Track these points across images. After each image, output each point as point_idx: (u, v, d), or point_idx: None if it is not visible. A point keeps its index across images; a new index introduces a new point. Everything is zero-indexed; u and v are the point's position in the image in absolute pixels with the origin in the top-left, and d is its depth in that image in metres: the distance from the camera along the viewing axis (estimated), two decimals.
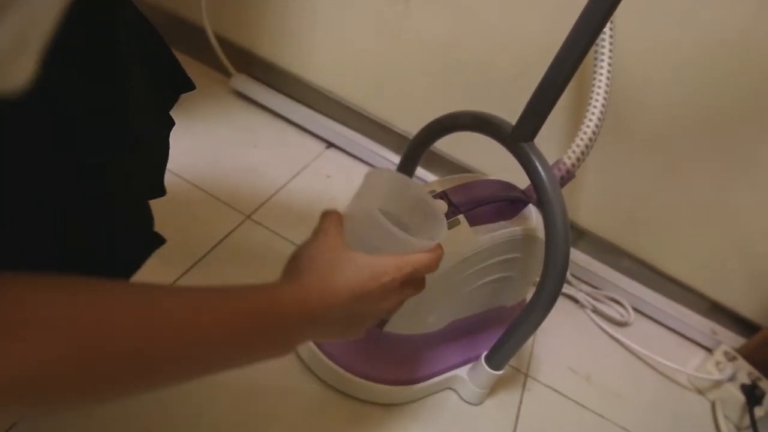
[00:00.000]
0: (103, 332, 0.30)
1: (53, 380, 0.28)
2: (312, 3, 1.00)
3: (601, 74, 0.74)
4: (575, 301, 1.01)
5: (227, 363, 0.40)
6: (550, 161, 0.64)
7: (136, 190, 0.47)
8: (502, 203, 0.68)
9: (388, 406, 0.71)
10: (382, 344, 0.71)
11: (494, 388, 0.76)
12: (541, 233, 0.61)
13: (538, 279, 0.62)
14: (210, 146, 0.98)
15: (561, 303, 0.98)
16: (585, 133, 0.71)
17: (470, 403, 0.76)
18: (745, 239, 0.95)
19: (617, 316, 0.99)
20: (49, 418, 0.55)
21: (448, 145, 1.00)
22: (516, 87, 0.91)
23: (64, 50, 0.27)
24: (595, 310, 1.00)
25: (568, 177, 0.69)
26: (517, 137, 0.59)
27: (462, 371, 0.74)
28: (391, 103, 1.05)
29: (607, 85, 0.73)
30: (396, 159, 1.05)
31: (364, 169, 1.07)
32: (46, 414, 0.33)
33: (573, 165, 0.69)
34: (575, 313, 1.00)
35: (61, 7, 0.25)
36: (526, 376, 0.84)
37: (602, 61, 0.74)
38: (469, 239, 0.61)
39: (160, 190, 0.52)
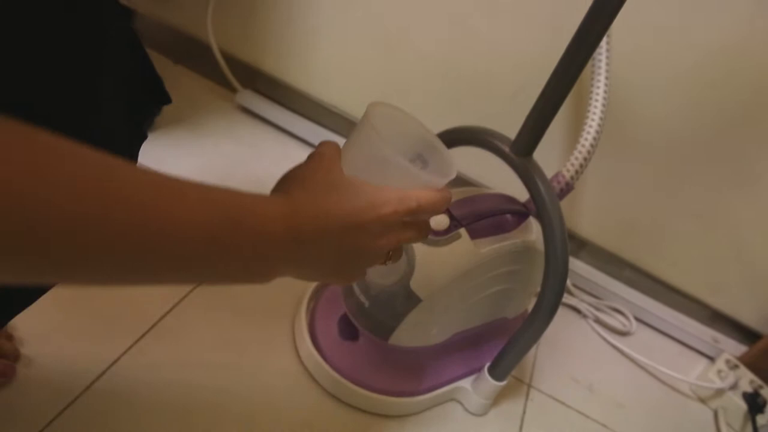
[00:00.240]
0: (53, 181, 0.25)
1: None
2: (315, 20, 1.02)
3: (598, 87, 0.75)
4: (577, 311, 1.02)
5: (193, 267, 0.33)
6: (550, 172, 0.65)
7: None
8: (502, 216, 0.69)
9: (393, 418, 0.72)
10: (387, 356, 0.72)
11: (498, 398, 0.77)
12: (541, 245, 0.62)
13: (539, 290, 0.63)
14: (217, 161, 1.00)
15: (563, 313, 0.99)
16: (583, 145, 0.73)
17: (474, 414, 0.77)
18: (744, 247, 0.96)
19: (619, 326, 1.00)
20: None
21: None
22: (515, 102, 0.92)
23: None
24: (597, 320, 1.01)
25: (567, 189, 0.70)
26: (516, 152, 0.61)
27: (465, 382, 0.75)
28: None
29: (604, 98, 0.75)
30: None
31: None
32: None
33: (572, 177, 0.70)
34: (577, 323, 1.01)
35: None
36: (529, 386, 0.85)
37: (600, 74, 0.75)
38: (470, 252, 0.62)
39: None
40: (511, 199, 0.71)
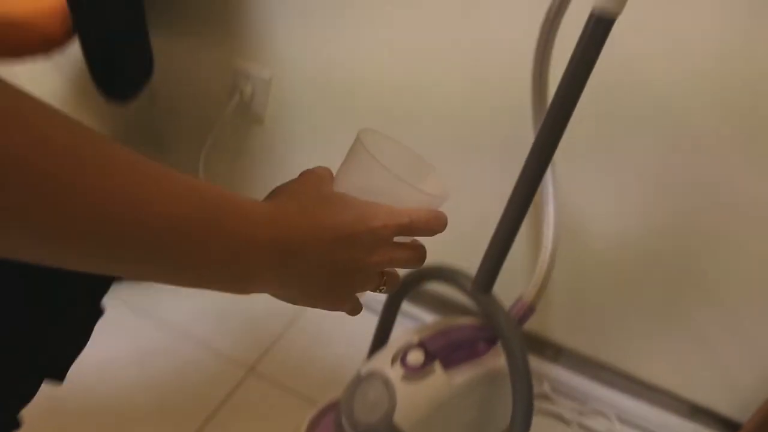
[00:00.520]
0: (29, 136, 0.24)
1: None
2: None
3: (549, 213, 0.83)
4: (560, 418, 1.05)
5: (161, 261, 0.30)
6: (516, 288, 0.70)
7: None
8: (474, 343, 0.76)
9: None
10: None
11: None
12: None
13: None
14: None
15: (547, 423, 1.03)
16: (542, 268, 0.80)
17: None
18: (706, 339, 1.02)
19: (603, 429, 1.04)
20: None
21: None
22: (475, 237, 1.00)
23: None
24: (581, 426, 1.04)
25: (528, 312, 0.77)
26: (477, 290, 0.68)
27: None
28: None
29: (555, 223, 0.82)
30: None
31: None
32: None
33: (533, 301, 0.77)
34: (562, 429, 1.04)
35: None
36: None
37: (548, 204, 0.84)
38: (445, 384, 0.68)
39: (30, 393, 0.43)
40: (482, 328, 0.78)
